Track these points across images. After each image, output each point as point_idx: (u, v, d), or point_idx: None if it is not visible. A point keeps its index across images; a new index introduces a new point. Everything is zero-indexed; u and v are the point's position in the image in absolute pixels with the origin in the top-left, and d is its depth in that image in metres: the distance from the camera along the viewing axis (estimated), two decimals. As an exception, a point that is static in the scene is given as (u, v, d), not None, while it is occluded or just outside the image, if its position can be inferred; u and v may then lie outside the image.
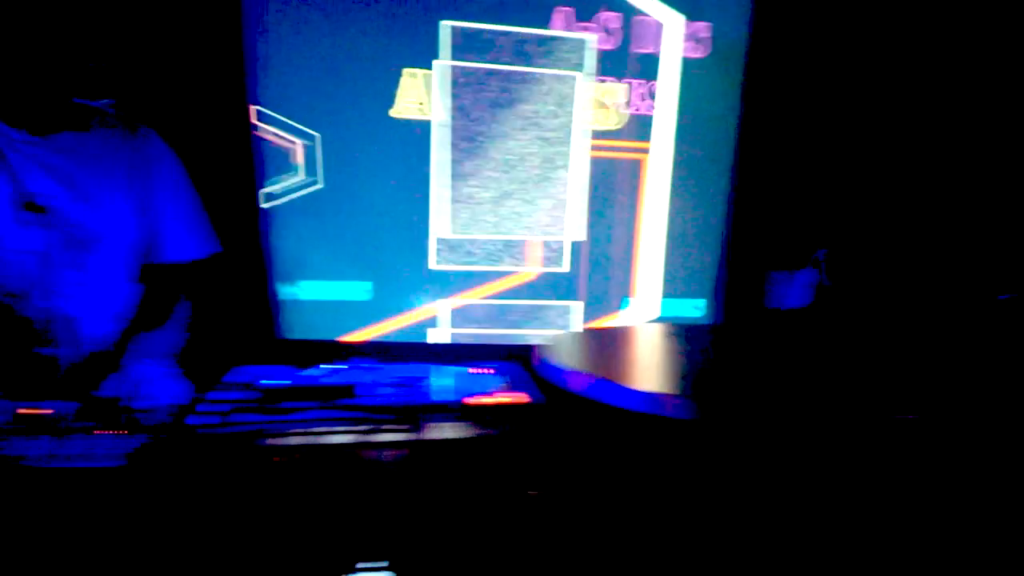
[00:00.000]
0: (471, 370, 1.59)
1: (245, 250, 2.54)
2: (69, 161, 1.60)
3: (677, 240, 2.72)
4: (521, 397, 1.35)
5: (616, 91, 2.57)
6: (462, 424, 1.24)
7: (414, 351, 2.68)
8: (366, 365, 1.58)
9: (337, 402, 1.27)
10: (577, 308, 2.73)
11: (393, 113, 2.57)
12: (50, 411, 1.33)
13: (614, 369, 1.34)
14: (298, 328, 2.68)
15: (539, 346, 1.45)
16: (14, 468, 1.10)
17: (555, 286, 2.71)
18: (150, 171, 1.67)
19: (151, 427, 1.21)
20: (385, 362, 1.63)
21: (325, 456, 1.11)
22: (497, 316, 2.75)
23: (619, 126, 2.59)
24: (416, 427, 1.21)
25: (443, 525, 1.10)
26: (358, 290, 2.70)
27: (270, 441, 1.14)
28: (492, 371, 1.57)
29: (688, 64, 2.58)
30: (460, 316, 2.73)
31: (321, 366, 1.54)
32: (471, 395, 1.37)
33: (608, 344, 1.65)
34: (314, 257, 2.67)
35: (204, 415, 1.23)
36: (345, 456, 1.13)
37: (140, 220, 1.67)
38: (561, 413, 1.34)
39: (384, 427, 1.19)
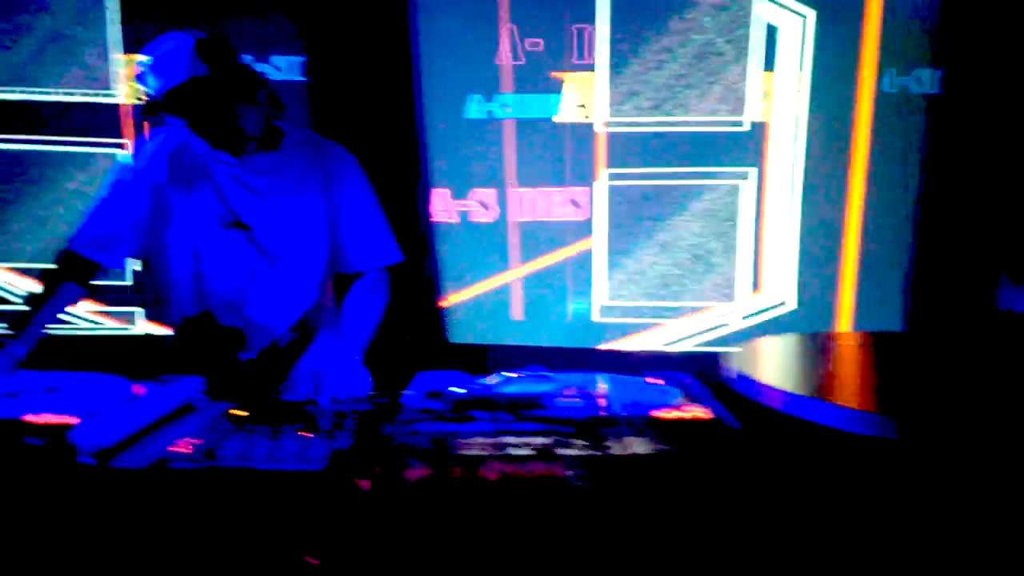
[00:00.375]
0: (646, 380, 1.55)
1: (416, 258, 2.64)
2: (266, 181, 1.72)
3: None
4: (706, 412, 1.30)
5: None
6: (647, 439, 1.20)
7: (578, 357, 2.68)
8: (540, 373, 1.58)
9: (523, 413, 1.27)
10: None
11: (557, 119, 2.56)
12: (253, 412, 1.43)
13: (814, 383, 1.26)
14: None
15: (727, 356, 1.38)
16: (222, 470, 1.17)
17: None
18: (338, 185, 1.75)
19: (351, 432, 1.27)
20: (556, 370, 1.62)
21: (514, 468, 1.11)
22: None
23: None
24: (602, 441, 1.19)
25: (636, 544, 1.08)
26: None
27: (464, 451, 1.16)
28: (662, 382, 1.53)
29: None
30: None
31: (498, 374, 1.56)
32: (652, 408, 1.33)
33: (803, 355, 1.56)
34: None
35: (399, 423, 1.27)
36: (531, 468, 1.12)
37: (330, 232, 1.76)
38: (754, 429, 1.27)
39: (571, 440, 1.18)
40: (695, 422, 1.26)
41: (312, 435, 1.28)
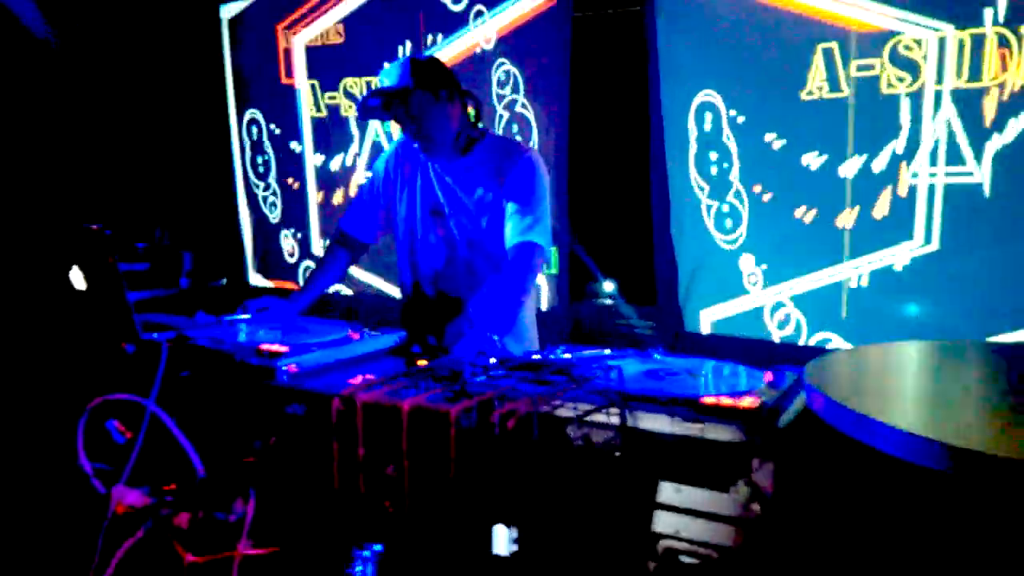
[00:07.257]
0: (750, 372, 1.52)
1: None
2: (459, 177, 2.09)
3: None
4: (753, 401, 1.27)
5: None
6: (664, 417, 1.25)
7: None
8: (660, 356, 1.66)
9: (548, 376, 1.39)
10: None
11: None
12: (430, 365, 1.76)
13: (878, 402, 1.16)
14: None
15: (810, 364, 1.33)
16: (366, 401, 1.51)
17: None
18: (508, 179, 2.04)
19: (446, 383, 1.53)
20: (682, 354, 1.67)
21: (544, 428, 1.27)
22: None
23: None
24: (620, 414, 1.27)
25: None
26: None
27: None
28: (771, 376, 1.48)
29: None
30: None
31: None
32: (716, 393, 1.34)
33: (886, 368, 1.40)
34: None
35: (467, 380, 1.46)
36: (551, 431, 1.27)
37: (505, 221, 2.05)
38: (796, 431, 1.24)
39: (595, 408, 1.28)
40: (730, 410, 1.25)
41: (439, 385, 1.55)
